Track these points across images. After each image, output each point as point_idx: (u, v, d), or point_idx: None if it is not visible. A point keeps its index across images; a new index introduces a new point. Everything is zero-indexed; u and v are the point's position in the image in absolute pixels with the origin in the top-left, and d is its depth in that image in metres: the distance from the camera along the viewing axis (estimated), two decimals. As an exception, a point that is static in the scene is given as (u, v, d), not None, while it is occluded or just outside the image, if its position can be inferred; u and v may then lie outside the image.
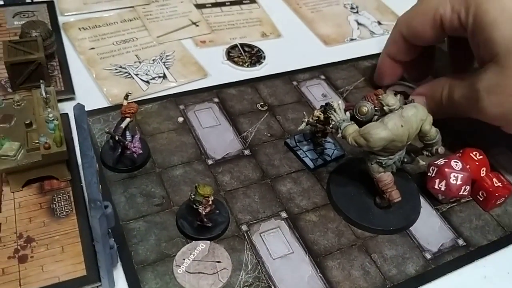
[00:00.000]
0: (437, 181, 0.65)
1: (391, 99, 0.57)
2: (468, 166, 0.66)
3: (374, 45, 0.95)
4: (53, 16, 0.88)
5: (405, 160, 0.62)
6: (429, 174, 0.66)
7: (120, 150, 0.63)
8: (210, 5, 0.99)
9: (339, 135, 0.59)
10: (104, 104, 0.74)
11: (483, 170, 0.68)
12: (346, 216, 0.63)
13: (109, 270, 0.51)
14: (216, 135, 0.72)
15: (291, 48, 0.92)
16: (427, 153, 0.61)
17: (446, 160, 0.65)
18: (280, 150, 0.71)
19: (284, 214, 0.63)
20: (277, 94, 0.80)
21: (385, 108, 0.57)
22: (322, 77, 0.85)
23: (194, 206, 0.57)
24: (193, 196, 0.56)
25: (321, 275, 0.57)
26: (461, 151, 0.70)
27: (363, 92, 0.82)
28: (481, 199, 0.67)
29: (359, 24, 1.01)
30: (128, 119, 0.62)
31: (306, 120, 0.67)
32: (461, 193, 0.64)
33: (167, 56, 0.85)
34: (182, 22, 0.93)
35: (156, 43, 0.87)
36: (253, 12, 1.00)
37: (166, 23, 0.92)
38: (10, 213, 0.58)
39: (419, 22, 0.72)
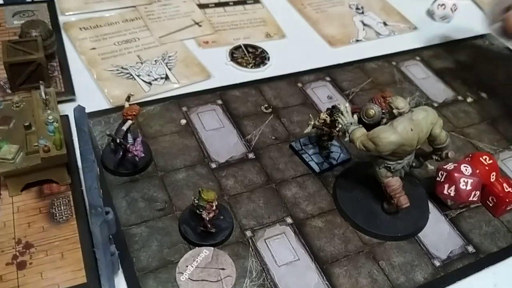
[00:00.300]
0: (446, 186, 0.63)
1: (400, 102, 0.55)
2: (478, 171, 0.64)
3: (380, 46, 0.94)
4: (54, 16, 0.87)
5: (414, 164, 0.61)
6: (438, 179, 0.65)
7: (121, 153, 0.62)
8: (213, 5, 0.98)
9: (347, 138, 0.58)
10: (105, 105, 0.73)
11: (493, 175, 0.66)
12: (353, 222, 0.62)
13: (110, 278, 0.50)
14: (220, 138, 0.70)
15: (296, 49, 0.90)
16: (436, 158, 0.60)
17: (456, 164, 0.64)
18: (285, 154, 0.69)
19: (289, 220, 0.61)
20: (281, 96, 0.79)
21: (394, 111, 0.55)
22: (328, 78, 0.84)
23: (198, 211, 0.55)
24: (197, 201, 0.55)
25: (328, 283, 0.56)
26: (470, 155, 0.69)
27: (370, 94, 0.80)
28: (491, 205, 0.65)
29: (364, 25, 1.00)
30: (130, 122, 0.61)
31: (312, 123, 0.66)
32: (470, 198, 0.63)
33: (169, 56, 0.83)
34: (184, 22, 0.92)
35: (158, 44, 0.86)
36: (257, 12, 0.98)
37: (168, 23, 0.91)
38: (9, 217, 0.56)
39: None
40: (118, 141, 0.60)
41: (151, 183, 0.63)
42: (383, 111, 0.58)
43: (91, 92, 0.75)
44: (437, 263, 0.59)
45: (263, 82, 0.81)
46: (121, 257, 0.54)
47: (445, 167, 0.64)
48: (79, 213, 0.57)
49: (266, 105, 0.77)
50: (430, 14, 1.05)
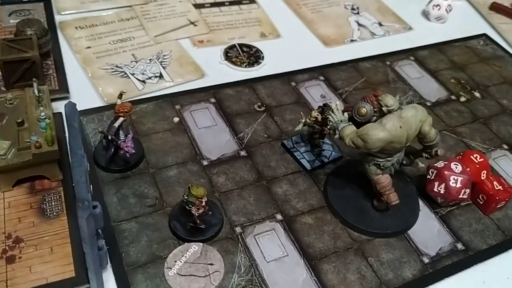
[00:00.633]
0: (436, 183, 0.64)
1: (390, 100, 0.56)
2: (468, 169, 0.64)
3: (374, 46, 0.94)
4: (50, 15, 0.87)
5: (404, 162, 0.61)
6: (428, 176, 0.65)
7: (113, 149, 0.62)
8: (209, 5, 0.98)
9: (337, 136, 0.58)
10: (99, 103, 0.73)
11: (483, 173, 0.66)
12: (343, 218, 0.62)
13: (98, 272, 0.50)
14: (212, 135, 0.71)
15: (290, 48, 0.91)
16: (426, 155, 0.60)
17: (446, 162, 0.64)
18: (277, 151, 0.70)
19: (279, 216, 0.62)
20: (275, 94, 0.79)
21: (383, 108, 0.56)
22: (321, 78, 0.84)
23: (187, 207, 0.56)
24: (186, 197, 0.55)
25: (316, 279, 0.56)
26: (461, 153, 0.69)
27: (363, 93, 0.80)
28: (481, 203, 0.66)
29: (359, 25, 1.00)
30: (121, 118, 0.61)
31: (303, 120, 0.66)
32: (460, 196, 0.63)
33: (164, 55, 0.84)
34: (180, 21, 0.92)
35: (153, 43, 0.86)
36: (252, 12, 0.99)
37: (164, 22, 0.91)
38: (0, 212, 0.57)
39: None
40: (109, 137, 0.61)
41: (142, 179, 0.63)
42: (375, 109, 0.58)
43: (86, 90, 0.75)
44: (426, 260, 0.59)
45: (257, 81, 0.81)
46: (111, 252, 0.54)
47: (435, 165, 0.64)
48: (70, 209, 0.58)
49: (259, 104, 0.77)
50: (425, 14, 1.05)
